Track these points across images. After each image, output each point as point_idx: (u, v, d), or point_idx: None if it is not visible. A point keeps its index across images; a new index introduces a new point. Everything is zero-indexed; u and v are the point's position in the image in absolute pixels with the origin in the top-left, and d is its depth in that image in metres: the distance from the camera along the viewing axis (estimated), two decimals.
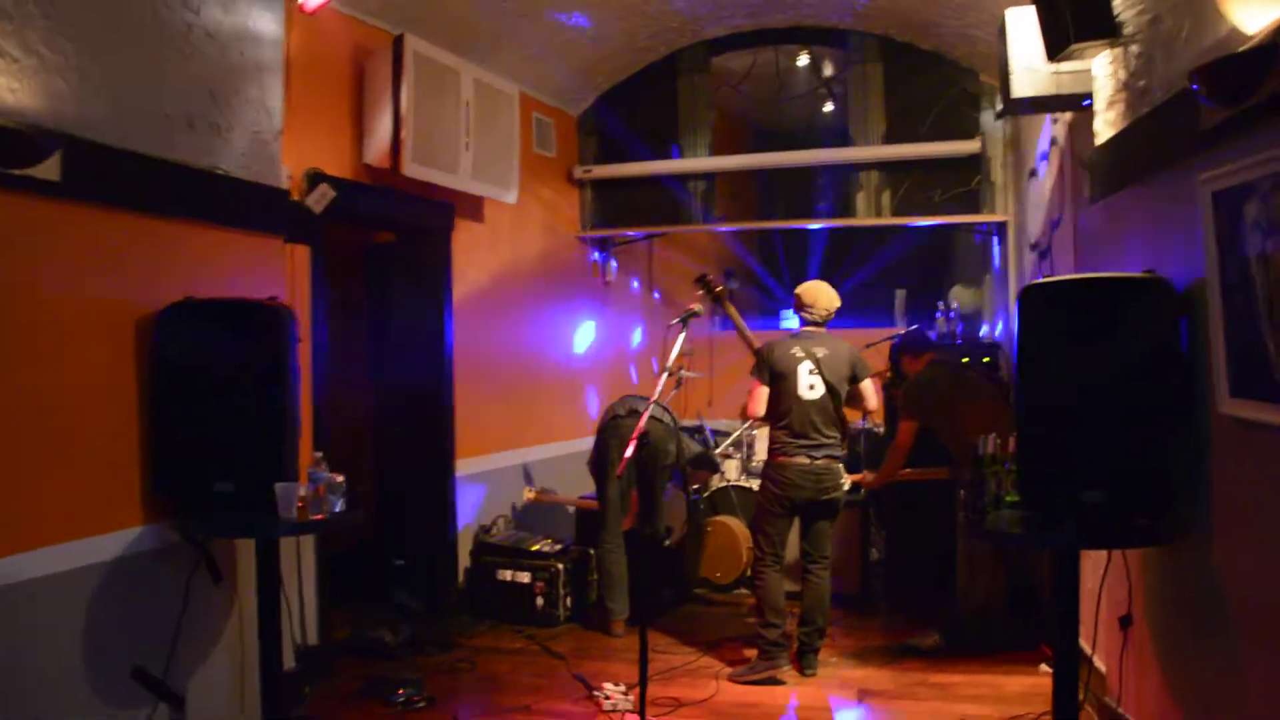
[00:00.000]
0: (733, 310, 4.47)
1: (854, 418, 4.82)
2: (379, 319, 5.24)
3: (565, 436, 6.08)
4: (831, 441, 4.10)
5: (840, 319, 4.42)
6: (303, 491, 3.06)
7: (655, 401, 3.72)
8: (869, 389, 4.23)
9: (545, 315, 6.02)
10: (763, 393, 4.08)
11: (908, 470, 4.63)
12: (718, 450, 5.86)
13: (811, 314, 4.14)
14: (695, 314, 3.83)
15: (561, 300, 6.22)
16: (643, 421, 3.51)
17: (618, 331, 7.00)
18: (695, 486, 5.53)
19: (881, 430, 5.84)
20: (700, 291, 4.45)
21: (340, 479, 3.13)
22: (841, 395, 4.12)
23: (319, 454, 3.25)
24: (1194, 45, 2.52)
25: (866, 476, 4.80)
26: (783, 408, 4.07)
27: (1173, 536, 2.76)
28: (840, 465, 4.14)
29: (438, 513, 4.92)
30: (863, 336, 5.30)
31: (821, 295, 4.16)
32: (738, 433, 6.03)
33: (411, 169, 4.22)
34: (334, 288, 4.33)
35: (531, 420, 5.78)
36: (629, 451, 3.48)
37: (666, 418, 4.83)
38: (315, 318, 3.90)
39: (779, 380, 4.08)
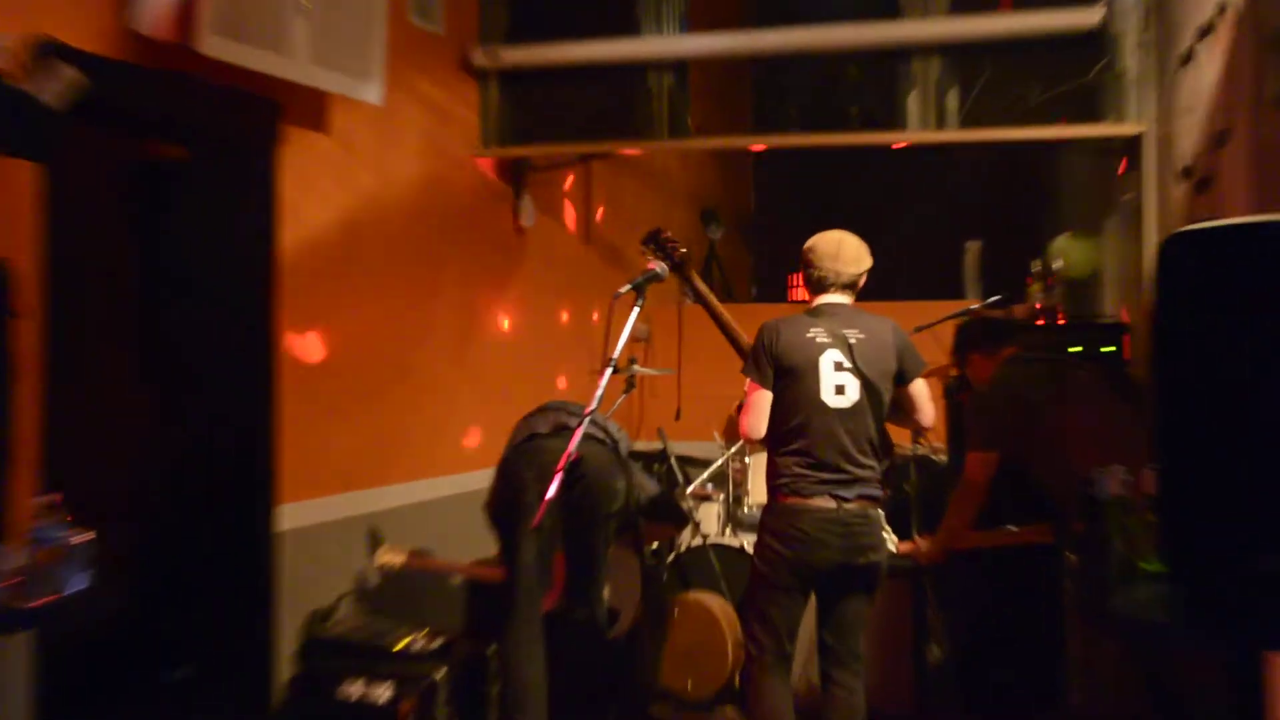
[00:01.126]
0: (702, 286, 4.49)
1: (901, 439, 4.79)
2: (155, 281, 5.17)
3: (451, 468, 6.10)
4: (868, 474, 4.05)
5: (874, 290, 4.35)
6: (16, 560, 2.88)
7: (593, 413, 3.69)
8: (924, 393, 4.17)
9: (426, 283, 5.98)
10: (763, 399, 4.05)
11: (984, 533, 4.63)
12: (689, 489, 5.82)
13: (831, 277, 4.12)
14: (654, 278, 3.86)
15: (452, 258, 6.18)
16: (574, 443, 3.45)
17: (538, 307, 6.99)
18: (655, 546, 5.55)
19: (944, 459, 5.78)
20: (650, 255, 4.41)
21: (84, 538, 2.97)
22: (885, 401, 4.08)
23: (50, 498, 3.09)
24: None
25: (921, 544, 4.79)
26: (795, 422, 4.02)
27: None
28: (881, 513, 4.07)
29: (244, 589, 4.87)
30: (910, 315, 5.30)
31: (846, 248, 4.14)
32: (720, 461, 5.99)
33: (213, 44, 4.12)
34: (85, 231, 4.13)
35: (401, 445, 5.78)
36: (552, 490, 3.41)
37: (610, 438, 4.86)
38: (52, 278, 3.71)
39: (790, 379, 4.05)
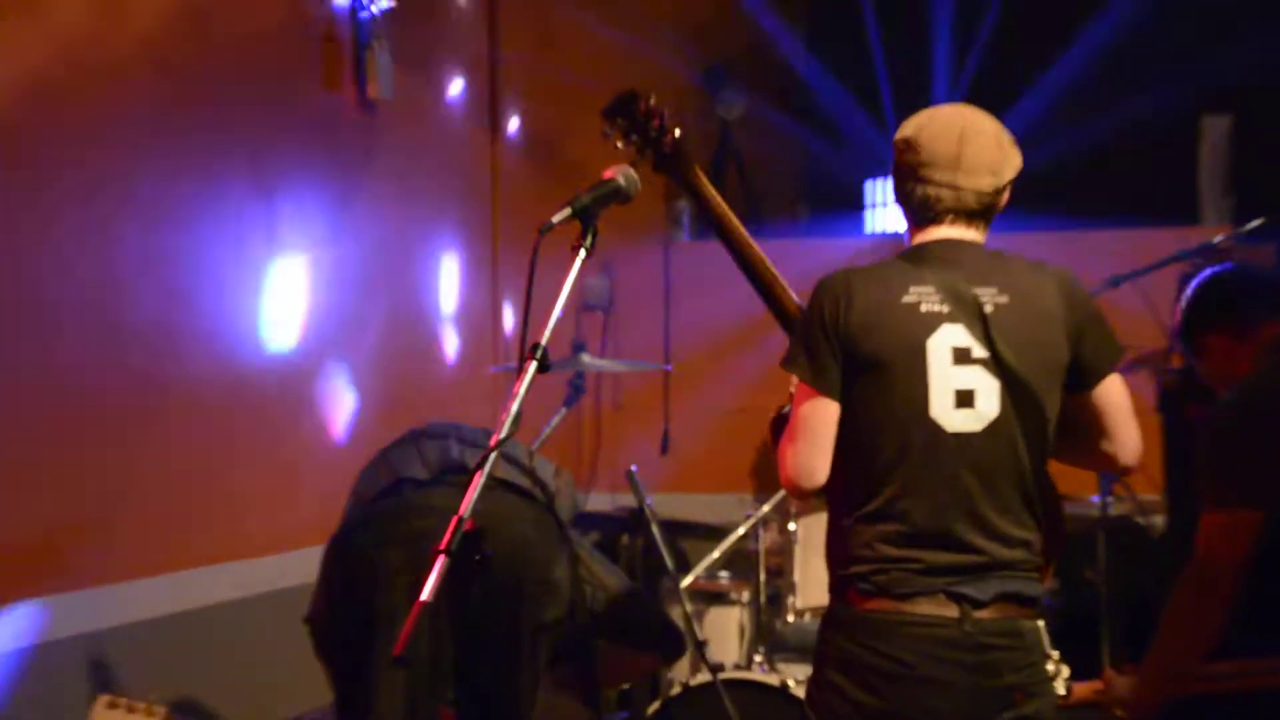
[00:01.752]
0: (715, 201, 4.28)
1: (1078, 488, 5.12)
2: None
3: (241, 550, 5.83)
4: (1018, 555, 3.77)
5: (1019, 206, 4.05)
6: None
7: (508, 443, 3.41)
8: (1120, 403, 3.88)
9: (182, 206, 5.60)
10: (821, 415, 3.84)
11: (1233, 664, 4.41)
12: (685, 581, 5.65)
13: (948, 196, 3.87)
14: (616, 193, 3.55)
15: (236, 159, 5.86)
16: (472, 497, 3.21)
17: (401, 248, 6.79)
18: (625, 689, 5.61)
19: (1159, 523, 5.84)
20: (620, 141, 4.25)
21: None
22: (1049, 417, 3.82)
23: None
24: None
25: (1118, 684, 4.54)
26: (883, 458, 3.81)
27: None
28: (1043, 628, 3.79)
29: None
30: (1088, 257, 5.53)
31: (975, 143, 3.84)
32: (743, 529, 5.83)
33: None
34: None
35: (145, 512, 5.42)
36: (429, 588, 3.09)
37: (541, 489, 4.59)
38: None
39: (872, 379, 3.83)
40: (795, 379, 3.92)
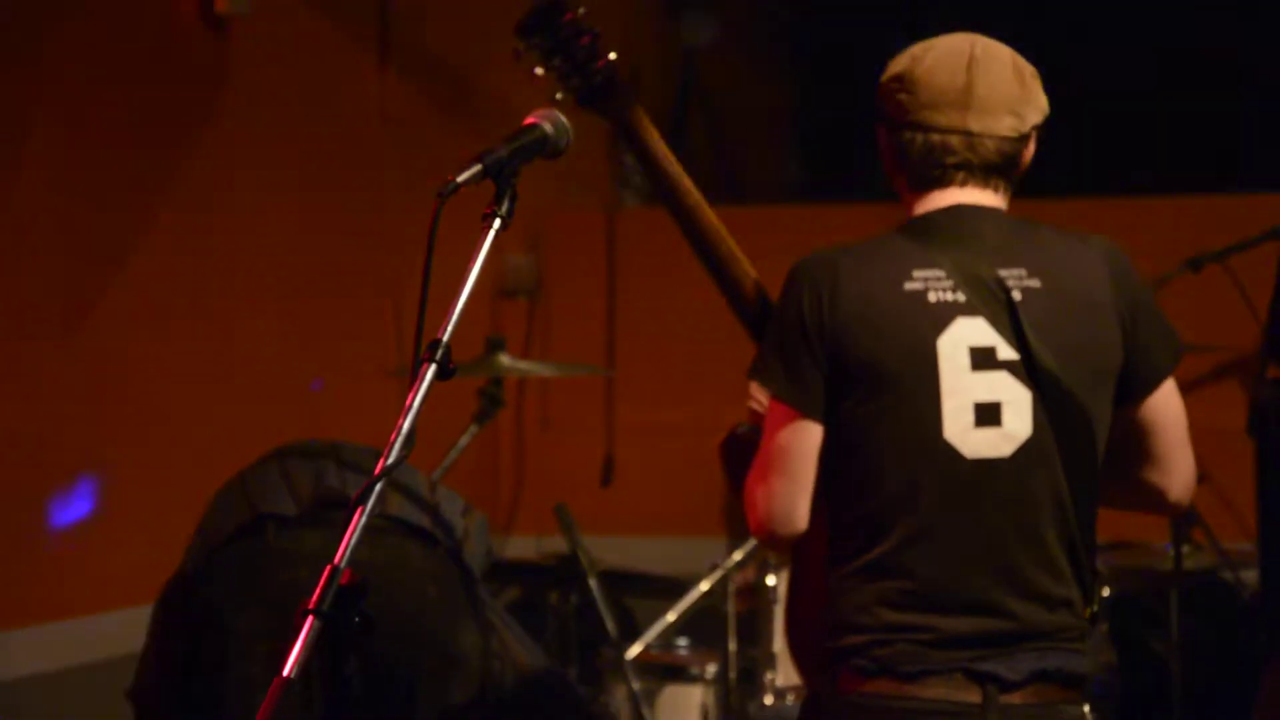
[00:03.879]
0: (650, 139, 4.30)
1: (1136, 534, 5.24)
2: None
3: (40, 610, 5.81)
4: (1058, 620, 3.74)
5: (1047, 167, 4.03)
6: None
7: (399, 467, 3.18)
8: (1176, 413, 3.90)
9: None
10: (800, 440, 3.86)
11: None
12: (632, 653, 5.62)
13: (958, 145, 3.94)
14: (540, 143, 3.49)
15: (43, 89, 5.83)
16: (351, 538, 2.99)
17: (261, 209, 6.61)
18: None
19: (1249, 579, 5.75)
20: (539, 67, 4.25)
21: None
22: (1098, 435, 3.80)
23: None
24: None
25: None
26: (884, 495, 3.79)
27: None
28: (1089, 713, 3.76)
29: None
30: (1144, 232, 5.46)
31: (986, 73, 3.90)
32: (708, 583, 5.87)
33: None
34: None
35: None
36: (290, 663, 2.86)
37: (444, 530, 4.69)
38: None
39: (869, 391, 3.85)
40: (763, 393, 3.93)
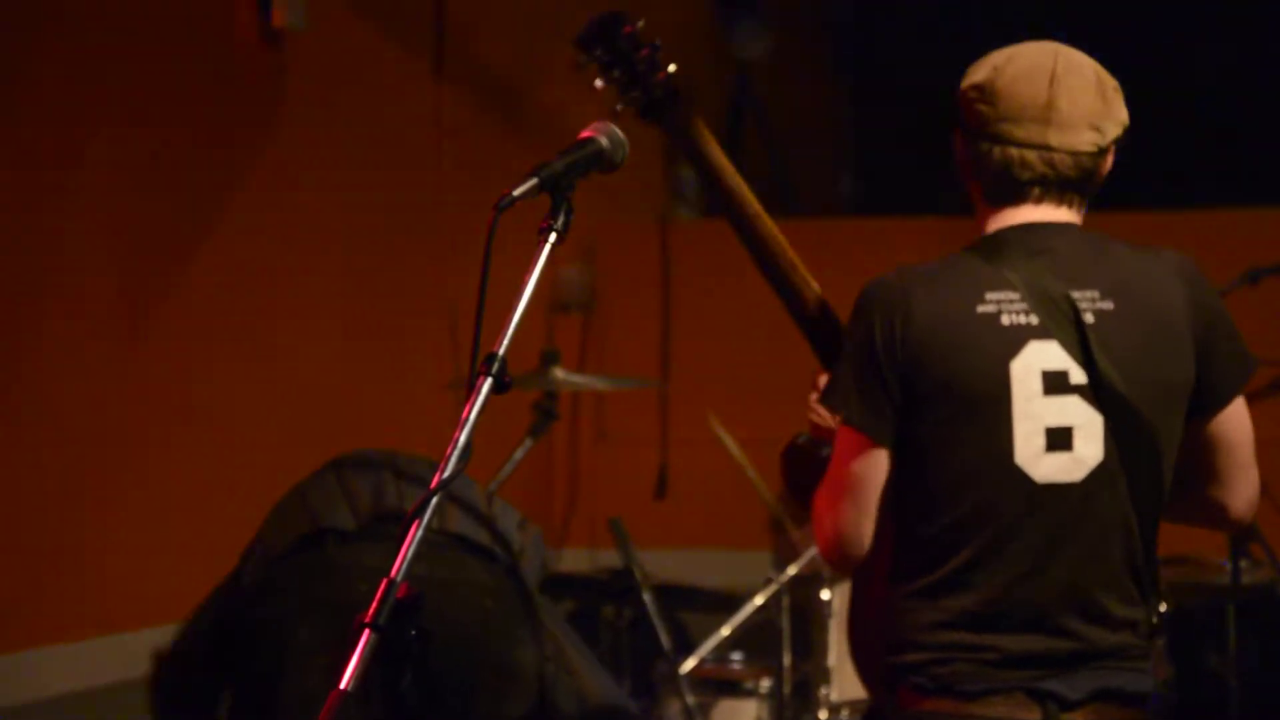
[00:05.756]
0: (712, 151, 4.33)
1: (1194, 548, 5.33)
2: None
3: (90, 625, 5.72)
4: (1122, 641, 3.77)
5: (1124, 179, 3.99)
6: None
7: (457, 480, 3.38)
8: (1244, 431, 3.88)
9: (40, 178, 5.59)
10: (869, 467, 3.87)
11: None
12: (687, 667, 5.57)
13: (1036, 161, 3.90)
14: (597, 157, 3.54)
15: (95, 108, 5.77)
16: (406, 552, 3.17)
17: (317, 227, 6.60)
18: None
19: None
20: (599, 79, 4.29)
21: None
22: (1166, 457, 3.78)
23: None
24: None
25: None
26: (950, 518, 3.82)
27: None
28: None
29: None
30: (1218, 241, 5.61)
31: (1068, 88, 3.86)
32: (763, 597, 5.88)
33: None
34: None
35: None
36: (347, 676, 3.05)
37: (502, 545, 4.67)
38: None
39: (941, 417, 3.86)
40: (834, 418, 3.99)
